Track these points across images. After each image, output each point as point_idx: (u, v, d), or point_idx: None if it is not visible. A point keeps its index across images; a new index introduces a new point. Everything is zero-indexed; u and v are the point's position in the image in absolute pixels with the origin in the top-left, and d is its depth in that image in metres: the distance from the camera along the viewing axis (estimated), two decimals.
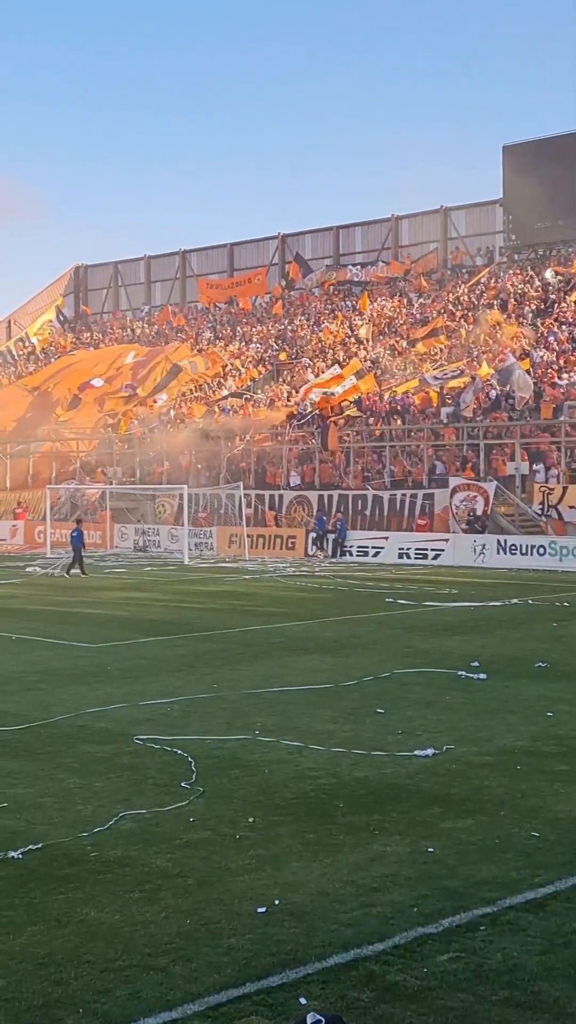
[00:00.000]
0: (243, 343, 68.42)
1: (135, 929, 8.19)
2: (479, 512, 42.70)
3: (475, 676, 18.24)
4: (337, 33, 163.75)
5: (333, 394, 52.89)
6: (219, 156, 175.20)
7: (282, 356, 63.35)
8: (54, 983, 7.37)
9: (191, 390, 63.98)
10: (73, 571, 39.47)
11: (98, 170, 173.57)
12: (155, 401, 63.32)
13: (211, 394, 62.99)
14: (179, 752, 13.22)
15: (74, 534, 40.50)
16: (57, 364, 73.98)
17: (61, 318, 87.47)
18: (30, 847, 9.94)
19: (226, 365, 65.48)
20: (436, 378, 50.92)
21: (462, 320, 58.23)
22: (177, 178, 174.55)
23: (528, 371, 48.26)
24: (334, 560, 44.80)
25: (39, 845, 10.00)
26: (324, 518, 46.63)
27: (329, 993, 7.18)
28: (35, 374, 74.00)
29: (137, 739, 13.95)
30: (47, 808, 11.17)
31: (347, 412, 52.17)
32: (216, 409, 59.99)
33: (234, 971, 7.48)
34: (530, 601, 29.95)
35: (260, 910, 8.48)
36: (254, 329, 70.17)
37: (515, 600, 30.00)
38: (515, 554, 40.97)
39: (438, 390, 50.25)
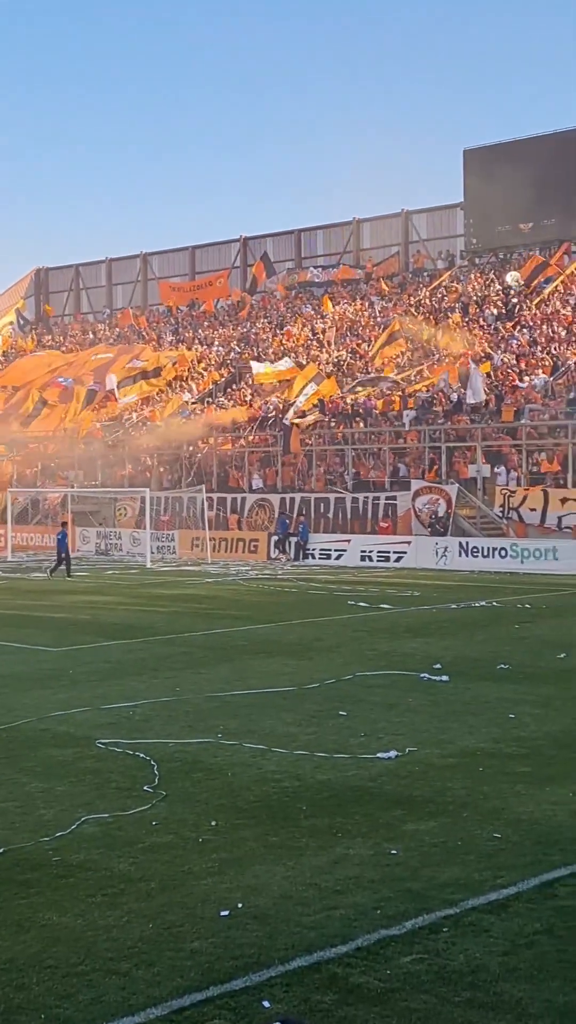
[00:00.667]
0: (205, 346, 68.36)
1: (97, 934, 8.16)
2: (441, 514, 42.85)
3: (437, 678, 18.29)
4: (297, 37, 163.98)
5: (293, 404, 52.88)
6: (180, 158, 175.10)
7: (244, 357, 63.30)
8: (16, 988, 7.33)
9: (155, 393, 63.76)
10: (56, 573, 40.00)
11: (58, 172, 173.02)
12: (117, 400, 63.03)
13: (173, 397, 62.84)
14: (141, 755, 13.19)
15: (59, 536, 41.22)
16: (26, 362, 73.23)
17: (21, 321, 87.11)
18: None
19: (189, 367, 65.34)
20: (396, 383, 51.04)
21: (423, 323, 58.38)
22: (138, 180, 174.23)
23: (488, 374, 48.44)
24: (296, 563, 44.82)
25: (0, 850, 9.95)
26: (287, 520, 46.65)
27: (292, 996, 7.19)
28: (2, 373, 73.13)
29: (99, 743, 13.90)
30: (8, 812, 11.11)
31: (308, 416, 52.13)
32: (178, 412, 59.86)
33: (197, 975, 7.47)
34: (495, 603, 30.05)
35: (223, 913, 8.47)
36: (216, 332, 70.12)
37: (483, 602, 30.11)
38: (477, 556, 41.15)
39: (400, 394, 50.35)
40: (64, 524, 44.07)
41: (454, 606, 29.19)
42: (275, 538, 46.69)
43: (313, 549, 45.47)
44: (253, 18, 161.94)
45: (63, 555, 40.13)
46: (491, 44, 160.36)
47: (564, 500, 41.01)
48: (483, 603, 30.04)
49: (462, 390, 47.00)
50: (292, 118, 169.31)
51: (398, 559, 42.92)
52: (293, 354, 59.97)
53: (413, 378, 52.49)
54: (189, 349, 67.93)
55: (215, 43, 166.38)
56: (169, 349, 68.66)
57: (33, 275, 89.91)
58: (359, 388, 52.03)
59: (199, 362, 66.12)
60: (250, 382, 60.35)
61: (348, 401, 51.94)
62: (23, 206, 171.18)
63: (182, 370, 65.21)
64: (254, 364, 56.37)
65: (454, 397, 47.86)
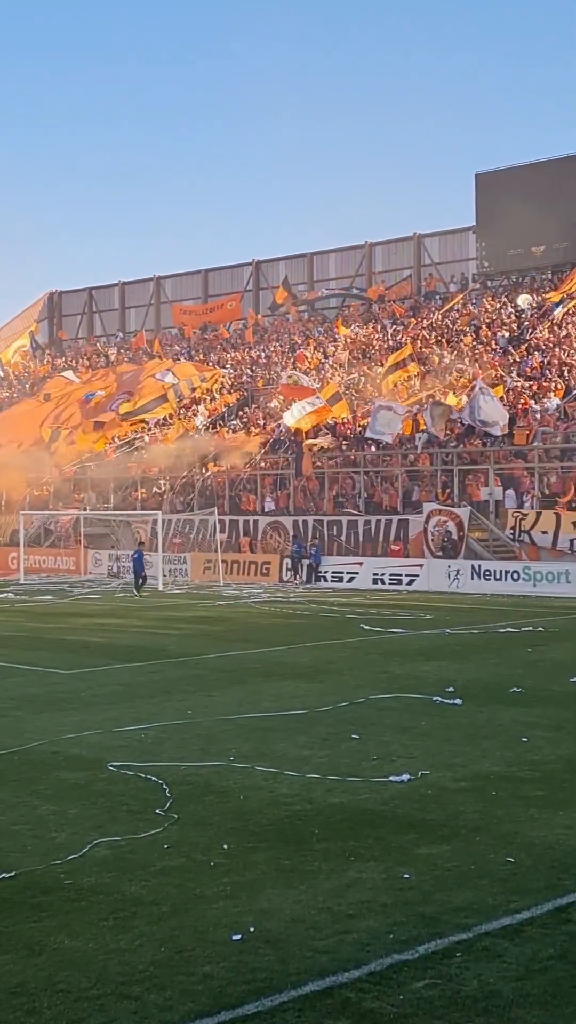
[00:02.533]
0: (218, 368, 68.49)
1: (109, 957, 8.13)
2: (453, 537, 42.81)
3: (450, 701, 18.24)
4: (310, 61, 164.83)
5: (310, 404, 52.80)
6: (192, 182, 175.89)
7: (260, 383, 63.37)
8: (27, 1012, 7.30)
9: (169, 416, 63.76)
10: (143, 592, 42.09)
11: (72, 195, 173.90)
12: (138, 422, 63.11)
13: (186, 421, 62.96)
14: (153, 779, 13.16)
15: (135, 556, 43.23)
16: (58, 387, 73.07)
17: (34, 344, 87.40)
18: (3, 875, 9.88)
19: (210, 388, 65.48)
20: (408, 410, 50.96)
21: (435, 346, 58.46)
22: (151, 204, 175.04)
23: (501, 398, 48.42)
24: (309, 586, 44.78)
25: (12, 873, 9.93)
26: (303, 544, 46.63)
27: (305, 1021, 7.15)
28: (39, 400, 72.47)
29: (111, 766, 13.88)
30: (20, 835, 11.09)
31: (320, 440, 52.10)
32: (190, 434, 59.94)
33: (209, 999, 7.44)
34: (514, 630, 29.98)
35: (235, 937, 8.43)
36: (228, 355, 70.28)
37: (504, 628, 30.04)
38: (489, 579, 41.08)
39: (412, 419, 50.27)
40: (140, 544, 45.76)
41: (449, 631, 29.10)
42: (288, 561, 46.69)
43: (325, 572, 45.43)
44: (266, 42, 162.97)
45: (142, 573, 42.31)
46: (504, 68, 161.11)
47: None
48: (497, 627, 29.98)
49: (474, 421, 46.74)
50: (304, 142, 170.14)
51: (410, 582, 42.87)
52: (306, 376, 60.01)
53: (424, 402, 52.39)
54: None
55: (230, 67, 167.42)
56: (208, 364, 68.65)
57: (46, 298, 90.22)
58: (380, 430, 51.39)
59: (213, 384, 66.25)
60: (261, 404, 60.42)
61: (361, 424, 51.90)
62: (37, 229, 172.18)
63: (212, 386, 65.25)
64: (286, 416, 55.36)
65: (466, 421, 47.85)
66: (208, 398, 65.08)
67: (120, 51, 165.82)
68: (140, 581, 42.51)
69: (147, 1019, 7.17)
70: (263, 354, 68.35)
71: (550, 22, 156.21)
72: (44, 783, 13.17)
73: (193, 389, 65.01)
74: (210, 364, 69.15)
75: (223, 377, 66.58)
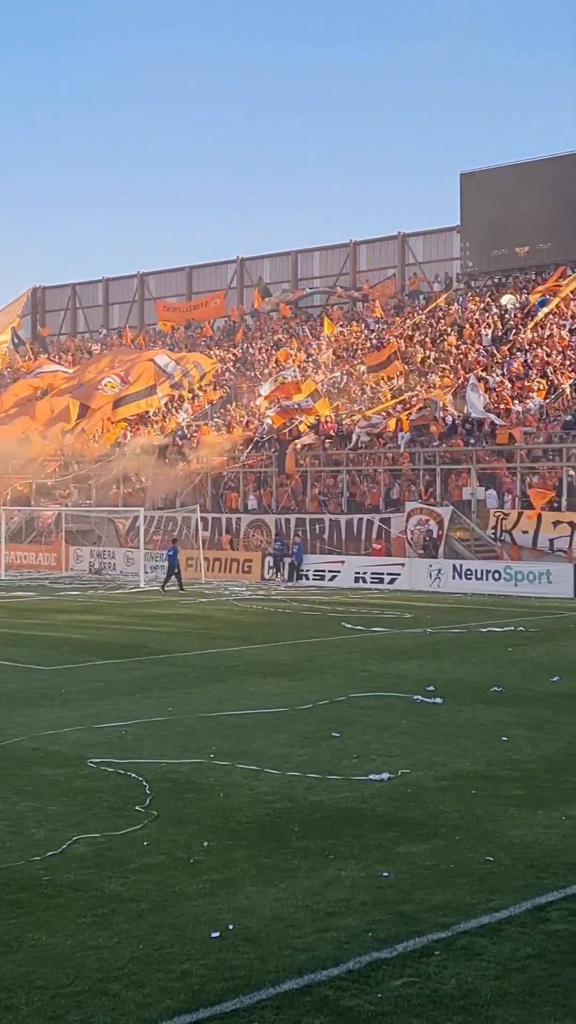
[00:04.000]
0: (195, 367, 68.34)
1: (87, 954, 8.12)
2: (435, 536, 42.86)
3: (431, 700, 18.27)
4: (296, 59, 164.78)
5: (295, 406, 52.83)
6: (177, 178, 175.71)
7: (243, 387, 63.30)
8: (4, 1008, 7.28)
9: (155, 411, 63.57)
10: (169, 587, 41.86)
11: (56, 190, 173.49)
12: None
13: (168, 418, 62.87)
14: (133, 775, 13.15)
15: (170, 552, 42.90)
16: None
17: (16, 340, 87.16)
18: None
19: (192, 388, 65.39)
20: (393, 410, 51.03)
21: (419, 346, 58.51)
22: (136, 200, 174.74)
23: (484, 395, 48.53)
24: (290, 584, 44.78)
25: None
26: (285, 542, 46.61)
27: (283, 1019, 7.15)
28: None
29: (91, 762, 13.86)
30: None
31: (303, 439, 52.10)
32: (172, 432, 59.85)
33: (187, 996, 7.43)
34: (495, 629, 30.03)
35: (214, 935, 8.43)
36: (212, 352, 70.22)
37: (485, 628, 30.09)
38: (470, 579, 41.14)
39: (395, 417, 50.31)
40: (175, 541, 45.44)
41: (430, 630, 29.15)
42: (270, 559, 46.69)
43: (307, 570, 45.43)
44: (251, 39, 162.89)
45: (176, 570, 42.15)
46: (489, 67, 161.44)
47: (556, 523, 41.05)
48: (478, 627, 30.03)
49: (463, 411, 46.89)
50: (289, 140, 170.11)
51: (392, 581, 42.89)
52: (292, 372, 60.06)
53: (409, 401, 52.44)
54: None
55: (213, 63, 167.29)
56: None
57: (30, 294, 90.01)
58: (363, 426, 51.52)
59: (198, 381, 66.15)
60: (245, 403, 60.38)
61: (345, 423, 51.94)
62: (20, 225, 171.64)
63: (205, 382, 65.14)
64: (262, 387, 55.66)
65: (449, 419, 47.93)
66: (191, 395, 64.98)
67: (107, 43, 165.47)
68: (170, 577, 42.22)
69: (125, 1016, 7.16)
70: (247, 351, 68.28)
71: (537, 21, 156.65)
72: (23, 779, 13.15)
73: (204, 374, 64.93)
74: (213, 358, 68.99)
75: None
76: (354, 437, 49.88)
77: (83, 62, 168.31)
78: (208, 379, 65.43)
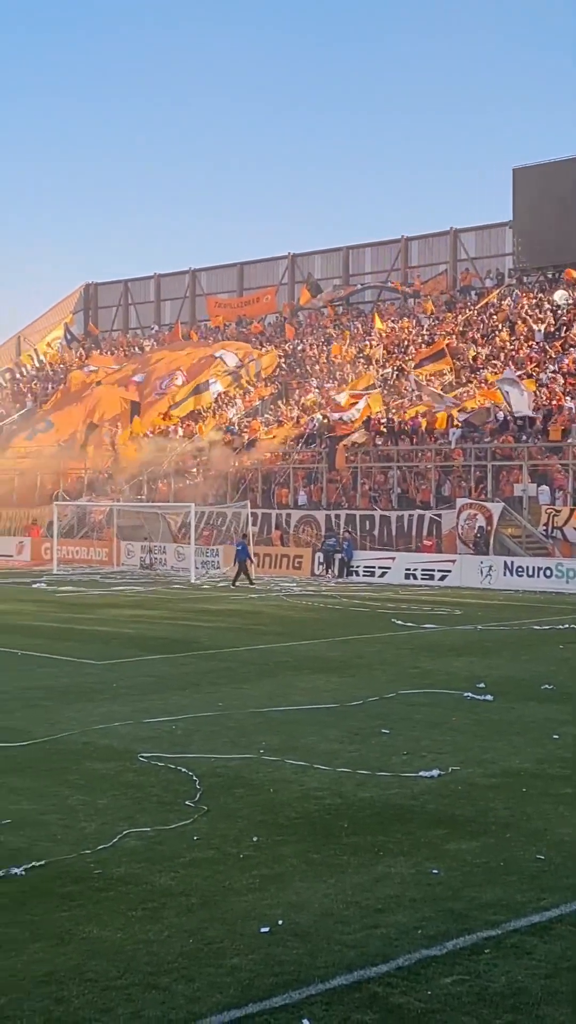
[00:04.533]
0: (252, 362, 68.54)
1: (138, 947, 8.16)
2: (486, 532, 42.68)
3: (481, 697, 18.20)
4: (347, 54, 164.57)
5: (349, 418, 52.78)
6: (228, 174, 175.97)
7: (293, 383, 63.35)
8: (55, 1001, 7.33)
9: (206, 407, 63.87)
10: (239, 582, 42.27)
11: (108, 187, 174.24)
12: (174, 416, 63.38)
13: (219, 414, 63.05)
14: (183, 770, 13.19)
15: (239, 547, 43.37)
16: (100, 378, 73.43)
17: (68, 336, 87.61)
18: (33, 864, 9.92)
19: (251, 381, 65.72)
20: (448, 402, 50.77)
21: (471, 342, 58.29)
22: (187, 196, 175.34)
23: (535, 392, 48.27)
24: (340, 580, 44.74)
25: (42, 862, 9.98)
26: (337, 538, 46.53)
27: (332, 1015, 7.15)
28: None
29: (142, 756, 13.92)
30: (51, 825, 11.14)
31: (355, 435, 52.01)
32: (223, 428, 59.99)
33: (237, 991, 7.45)
34: (543, 626, 29.87)
35: (263, 930, 8.45)
36: (263, 348, 70.29)
37: (535, 625, 29.94)
38: (522, 576, 40.94)
39: (447, 413, 50.12)
40: (244, 536, 45.46)
41: (480, 627, 29.02)
42: (320, 555, 46.66)
43: (357, 566, 45.38)
44: (306, 39, 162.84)
45: (245, 564, 42.61)
46: (543, 62, 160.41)
47: None
48: (529, 624, 29.88)
49: (507, 407, 46.67)
50: (342, 136, 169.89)
51: (442, 577, 42.77)
52: (339, 370, 60.05)
53: (460, 397, 52.24)
54: None
55: (267, 63, 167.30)
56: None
57: (82, 290, 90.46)
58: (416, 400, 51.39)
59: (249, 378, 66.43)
60: (297, 399, 60.40)
61: (396, 420, 51.80)
62: (72, 221, 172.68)
63: (265, 373, 65.56)
64: (337, 398, 55.49)
65: (501, 416, 47.70)
66: (243, 391, 65.13)
67: (160, 45, 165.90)
68: (241, 572, 42.58)
69: (175, 1010, 7.19)
70: (297, 347, 68.29)
71: None
72: (75, 773, 13.22)
73: (260, 370, 65.36)
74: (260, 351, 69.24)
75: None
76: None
77: (136, 61, 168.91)
78: (267, 372, 65.65)
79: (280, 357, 67.71)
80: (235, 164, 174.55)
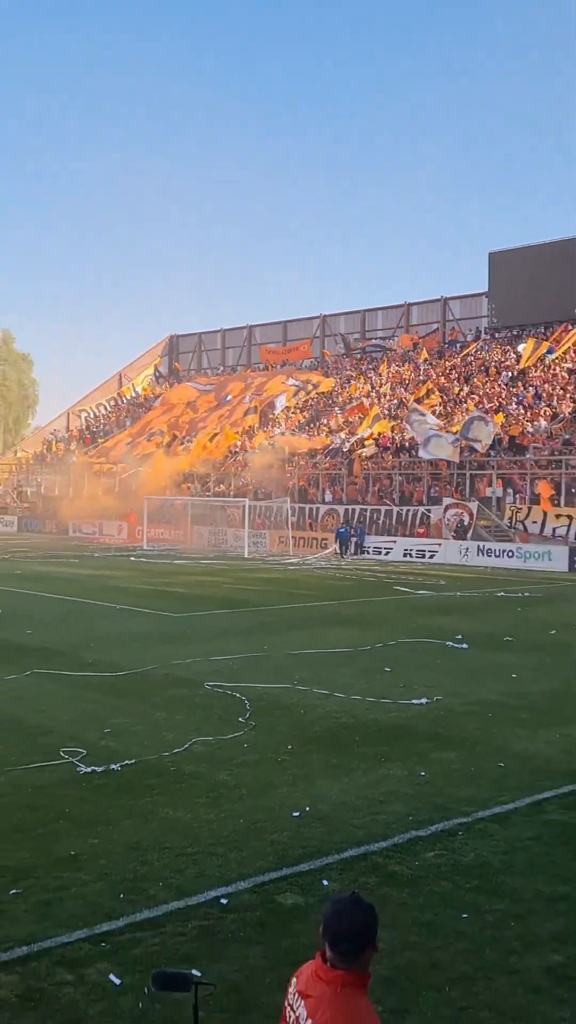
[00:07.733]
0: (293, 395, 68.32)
1: (202, 826, 8.20)
2: (465, 523, 42.51)
3: (459, 646, 18.14)
4: (346, 155, 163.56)
5: (363, 437, 52.54)
6: (274, 258, 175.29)
7: (322, 409, 63.06)
8: (141, 863, 7.39)
9: (262, 423, 63.71)
10: (349, 556, 42.47)
11: (190, 261, 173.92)
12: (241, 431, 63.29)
13: (270, 430, 62.93)
14: (238, 696, 13.22)
15: (341, 530, 43.83)
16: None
17: (157, 374, 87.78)
18: (126, 762, 9.99)
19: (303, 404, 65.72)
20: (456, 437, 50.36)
21: (455, 382, 57.89)
22: (245, 270, 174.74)
23: (502, 422, 47.92)
24: (355, 557, 44.59)
25: (133, 761, 10.04)
26: (349, 527, 46.35)
27: (345, 878, 7.18)
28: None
29: (207, 685, 13.96)
30: (140, 734, 11.20)
31: (368, 450, 51.86)
32: (267, 442, 59.90)
33: (274, 859, 7.49)
34: (506, 594, 29.72)
35: (295, 815, 8.48)
36: (324, 376, 70.09)
37: (500, 593, 29.80)
38: (491, 556, 40.69)
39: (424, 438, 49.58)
40: (346, 523, 45.35)
41: (459, 594, 28.90)
42: (340, 539, 46.53)
43: (368, 547, 45.24)
44: (310, 125, 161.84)
45: (345, 544, 43.18)
46: (511, 166, 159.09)
47: (558, 515, 40.50)
48: (496, 592, 29.73)
49: (466, 438, 45.99)
50: (364, 228, 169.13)
51: (431, 556, 42.58)
52: (356, 401, 59.79)
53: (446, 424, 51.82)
54: None
55: (300, 141, 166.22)
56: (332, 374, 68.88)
57: (167, 340, 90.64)
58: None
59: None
60: (325, 422, 60.24)
61: (397, 439, 51.60)
62: (159, 288, 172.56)
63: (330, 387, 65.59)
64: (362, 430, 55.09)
65: (460, 439, 47.17)
66: (285, 416, 64.98)
67: (220, 107, 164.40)
68: (345, 550, 42.98)
69: (229, 871, 7.23)
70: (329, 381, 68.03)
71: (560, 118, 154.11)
72: (157, 697, 13.28)
73: (319, 393, 65.49)
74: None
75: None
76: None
77: (202, 126, 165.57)
78: (324, 391, 65.70)
79: (306, 393, 67.54)
80: (279, 247, 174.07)
